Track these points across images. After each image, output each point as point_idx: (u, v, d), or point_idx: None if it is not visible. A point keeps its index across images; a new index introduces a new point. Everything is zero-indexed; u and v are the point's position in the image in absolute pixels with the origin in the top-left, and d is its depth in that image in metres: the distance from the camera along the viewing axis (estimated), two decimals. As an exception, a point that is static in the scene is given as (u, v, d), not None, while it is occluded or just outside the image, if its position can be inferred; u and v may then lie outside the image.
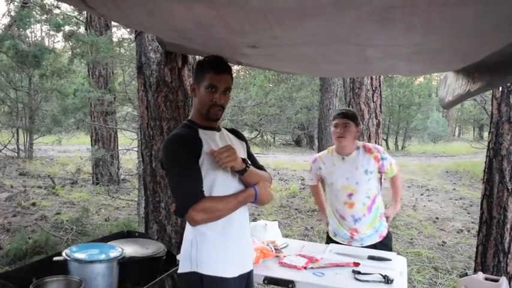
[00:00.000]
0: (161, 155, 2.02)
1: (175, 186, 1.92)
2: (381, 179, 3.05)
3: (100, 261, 2.00)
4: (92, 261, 1.99)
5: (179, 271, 2.02)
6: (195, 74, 2.05)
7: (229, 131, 2.23)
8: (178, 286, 2.87)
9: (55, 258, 2.05)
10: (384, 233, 3.03)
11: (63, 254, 2.04)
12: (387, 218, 3.12)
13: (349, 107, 6.09)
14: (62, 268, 2.01)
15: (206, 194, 1.91)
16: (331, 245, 2.96)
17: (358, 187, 2.93)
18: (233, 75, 2.09)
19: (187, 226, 2.02)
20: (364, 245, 2.95)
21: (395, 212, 3.28)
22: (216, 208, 1.89)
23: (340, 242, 3.03)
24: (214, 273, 1.93)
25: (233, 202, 1.95)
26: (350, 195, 2.95)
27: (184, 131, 1.98)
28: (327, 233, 3.20)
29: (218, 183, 1.94)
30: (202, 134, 1.99)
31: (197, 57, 3.75)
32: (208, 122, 2.04)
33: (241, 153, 2.14)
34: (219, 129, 2.10)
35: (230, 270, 1.97)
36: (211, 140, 1.99)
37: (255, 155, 2.30)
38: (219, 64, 1.98)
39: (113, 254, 2.09)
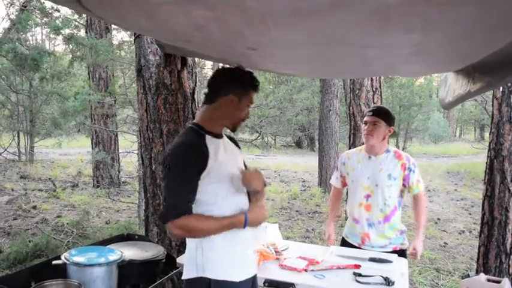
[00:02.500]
0: (164, 156, 1.96)
1: (166, 194, 1.89)
2: (403, 193, 2.89)
3: (99, 264, 2.00)
4: (91, 265, 1.98)
5: (184, 277, 2.00)
6: (238, 86, 1.98)
7: (228, 137, 2.22)
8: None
9: (54, 262, 2.04)
10: (399, 248, 2.87)
11: (62, 257, 2.04)
12: (414, 254, 2.84)
13: (349, 108, 6.08)
14: (61, 272, 2.00)
15: (210, 202, 1.91)
16: (332, 247, 2.94)
17: (377, 190, 2.82)
18: None
19: None
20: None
21: (421, 241, 2.90)
22: (196, 228, 1.86)
23: (352, 243, 2.96)
24: (222, 277, 1.93)
25: (217, 225, 1.89)
26: (368, 196, 2.86)
27: (193, 139, 1.94)
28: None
29: (222, 193, 1.94)
30: (209, 141, 1.96)
31: (196, 59, 3.75)
32: (218, 129, 2.03)
33: (240, 160, 2.17)
34: (221, 136, 2.09)
35: (237, 274, 1.97)
36: (217, 148, 1.97)
37: (249, 159, 2.32)
38: (258, 82, 2.04)
39: (112, 257, 2.08)
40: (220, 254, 1.94)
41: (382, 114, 2.84)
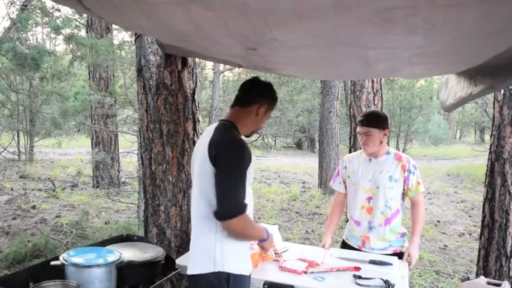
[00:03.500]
0: (221, 151, 1.96)
1: (231, 188, 1.92)
2: (404, 196, 2.87)
3: (98, 265, 1.99)
4: (89, 266, 1.97)
5: (195, 272, 2.04)
6: (270, 98, 2.20)
7: None
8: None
9: (52, 263, 2.03)
10: (399, 250, 2.84)
11: (61, 258, 2.03)
12: (409, 263, 2.76)
13: (350, 109, 6.07)
14: (60, 272, 1.99)
15: None
16: (332, 249, 2.93)
17: (378, 192, 2.80)
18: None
19: (205, 227, 2.04)
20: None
21: (417, 248, 2.81)
22: (251, 226, 2.05)
23: (352, 245, 2.95)
24: (239, 271, 2.02)
25: (259, 232, 2.15)
26: (369, 198, 2.84)
27: (242, 138, 2.09)
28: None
29: (248, 194, 2.04)
30: None
31: (197, 60, 3.74)
32: (242, 132, 2.16)
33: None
34: None
35: (248, 268, 2.09)
36: None
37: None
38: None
39: (111, 258, 2.07)
40: (237, 249, 2.04)
41: (373, 122, 2.79)
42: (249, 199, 2.07)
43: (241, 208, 1.91)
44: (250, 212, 2.10)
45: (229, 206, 1.91)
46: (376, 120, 2.81)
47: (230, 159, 1.95)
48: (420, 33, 1.48)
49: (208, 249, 2.01)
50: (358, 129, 2.84)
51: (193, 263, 2.07)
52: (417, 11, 1.24)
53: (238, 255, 2.05)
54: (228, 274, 1.99)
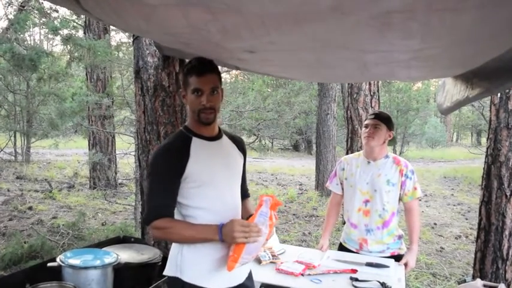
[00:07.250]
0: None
1: (146, 197, 1.89)
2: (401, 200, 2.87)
3: (94, 267, 1.99)
4: (86, 268, 1.97)
5: (164, 273, 1.97)
6: (182, 80, 1.96)
7: (233, 138, 2.13)
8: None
9: (49, 264, 2.03)
10: (396, 253, 2.85)
11: (58, 259, 2.03)
12: (406, 265, 2.77)
13: (347, 112, 6.08)
14: (57, 274, 1.99)
15: (194, 206, 1.88)
16: (329, 251, 2.93)
17: (376, 195, 2.80)
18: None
19: None
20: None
21: (415, 256, 2.83)
22: (169, 230, 1.84)
23: (350, 248, 2.95)
24: (196, 282, 1.87)
25: (190, 232, 1.85)
26: (366, 201, 2.84)
27: (174, 142, 1.91)
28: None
29: (206, 198, 1.89)
30: (195, 143, 1.91)
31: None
32: (203, 128, 1.94)
33: (239, 166, 2.09)
34: (218, 137, 2.01)
35: (214, 282, 1.90)
36: (203, 151, 1.91)
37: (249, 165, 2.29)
38: (201, 65, 1.87)
39: (108, 260, 2.07)
40: (198, 258, 1.89)
41: (384, 119, 2.85)
42: (206, 200, 1.89)
43: (152, 214, 1.83)
44: (215, 214, 1.88)
45: (144, 214, 1.92)
46: (387, 119, 2.88)
47: (148, 168, 1.98)
48: (417, 37, 1.48)
49: (173, 253, 1.94)
50: (368, 121, 2.87)
51: (167, 263, 2.00)
52: (414, 15, 1.24)
53: (198, 264, 1.88)
54: (184, 282, 1.87)
